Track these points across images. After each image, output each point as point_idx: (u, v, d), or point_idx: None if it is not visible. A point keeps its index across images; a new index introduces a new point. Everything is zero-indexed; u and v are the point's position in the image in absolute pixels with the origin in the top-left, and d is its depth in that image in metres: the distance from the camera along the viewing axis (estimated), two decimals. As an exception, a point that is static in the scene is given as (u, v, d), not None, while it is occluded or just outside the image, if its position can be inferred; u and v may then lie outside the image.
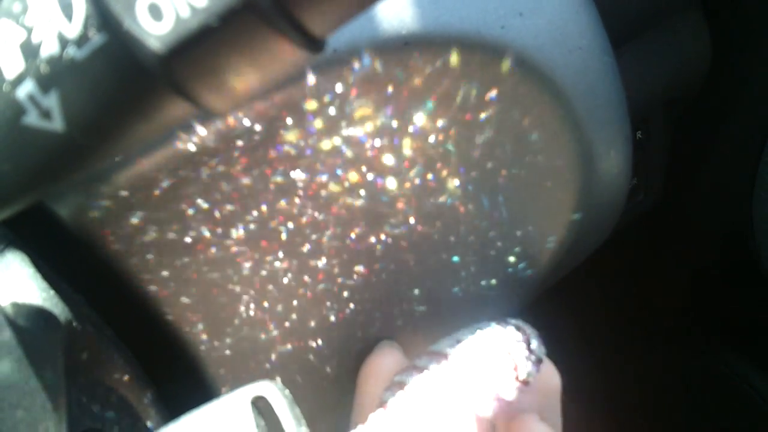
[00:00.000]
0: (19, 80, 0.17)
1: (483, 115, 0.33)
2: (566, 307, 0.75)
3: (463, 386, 0.31)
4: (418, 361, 0.34)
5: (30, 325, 0.25)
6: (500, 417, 0.32)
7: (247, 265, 0.33)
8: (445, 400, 0.31)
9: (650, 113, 0.52)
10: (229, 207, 0.32)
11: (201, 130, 0.29)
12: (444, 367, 0.32)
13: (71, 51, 0.17)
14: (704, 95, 0.53)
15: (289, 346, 0.37)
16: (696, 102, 0.54)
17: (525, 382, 0.32)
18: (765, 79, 0.50)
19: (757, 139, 0.51)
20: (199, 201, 0.31)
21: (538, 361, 0.33)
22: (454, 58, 0.31)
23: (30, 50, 0.17)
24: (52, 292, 0.27)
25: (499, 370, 0.32)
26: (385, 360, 0.38)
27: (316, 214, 0.33)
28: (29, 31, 0.17)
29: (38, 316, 0.26)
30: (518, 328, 0.33)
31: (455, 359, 0.32)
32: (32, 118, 0.18)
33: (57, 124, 0.17)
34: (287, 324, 0.36)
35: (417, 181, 0.34)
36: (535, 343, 0.33)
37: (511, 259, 0.39)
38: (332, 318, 0.37)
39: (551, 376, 0.35)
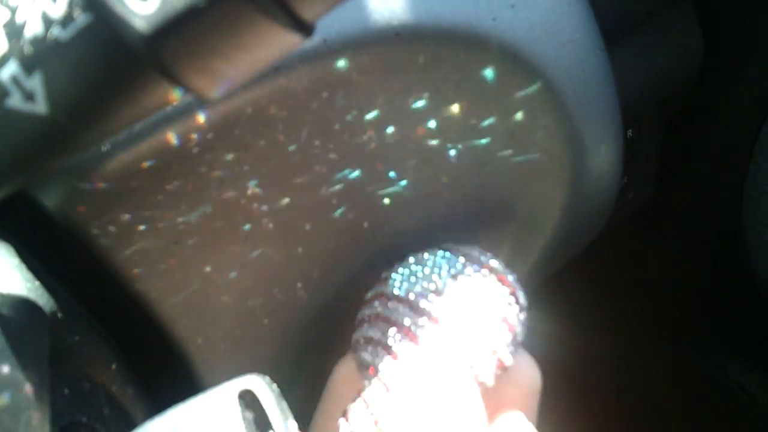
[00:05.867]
0: (2, 61, 0.17)
1: (472, 108, 0.33)
2: (552, 307, 0.75)
3: (464, 356, 0.30)
4: (388, 310, 0.32)
5: (14, 316, 0.25)
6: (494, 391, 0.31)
7: (237, 256, 0.33)
8: (446, 373, 0.30)
9: (642, 111, 0.52)
10: (219, 197, 0.31)
11: (191, 117, 0.29)
12: (434, 332, 0.31)
13: (56, 31, 0.16)
14: (696, 93, 0.53)
15: (284, 339, 0.36)
16: (687, 100, 0.54)
17: (520, 344, 0.31)
18: (757, 76, 0.50)
19: (748, 138, 0.51)
20: (189, 190, 0.31)
21: (528, 313, 0.32)
22: (445, 50, 0.31)
23: (14, 30, 0.17)
24: (37, 282, 0.27)
25: (497, 335, 0.31)
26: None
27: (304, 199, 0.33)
28: (13, 11, 0.17)
29: (23, 306, 0.26)
30: (500, 279, 0.32)
31: (444, 321, 0.31)
32: (15, 101, 0.17)
33: (40, 106, 0.17)
34: (283, 317, 0.36)
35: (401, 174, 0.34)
36: (522, 298, 0.32)
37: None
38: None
39: (534, 376, 0.34)
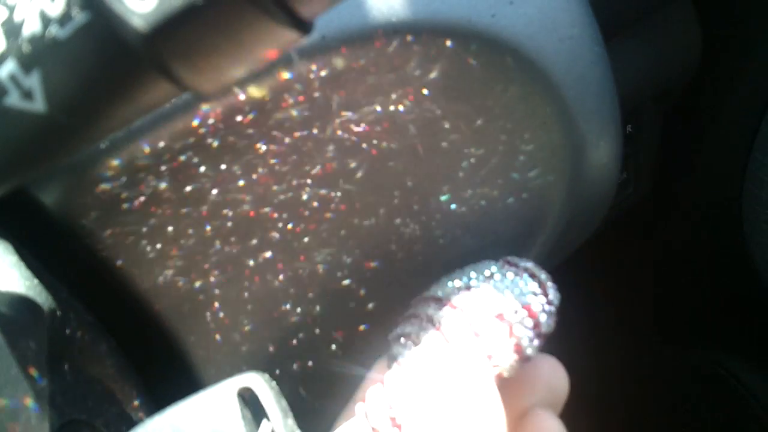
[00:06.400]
0: (0, 60, 0.17)
1: (471, 104, 0.33)
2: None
3: (481, 340, 0.30)
4: (422, 308, 0.33)
5: (13, 314, 0.25)
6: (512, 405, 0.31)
7: (236, 253, 0.33)
8: (460, 355, 0.30)
9: (641, 107, 0.52)
10: (217, 193, 0.31)
11: (186, 114, 0.29)
12: (456, 319, 0.31)
13: (54, 30, 0.16)
14: (695, 88, 0.53)
15: (281, 336, 0.36)
16: (686, 95, 0.54)
17: (545, 336, 0.31)
18: (756, 71, 0.50)
19: (748, 133, 0.51)
20: (187, 187, 0.31)
21: (556, 312, 0.32)
22: (443, 46, 0.31)
23: (12, 29, 0.17)
24: (35, 280, 0.27)
25: (519, 323, 0.31)
26: None
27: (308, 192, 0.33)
28: (11, 9, 0.17)
29: (21, 304, 0.26)
30: (532, 275, 0.33)
31: (467, 309, 0.31)
32: (14, 99, 0.17)
33: (39, 105, 0.17)
34: (281, 315, 0.36)
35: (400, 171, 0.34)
36: (552, 293, 0.32)
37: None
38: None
39: (562, 382, 0.34)
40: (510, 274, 0.32)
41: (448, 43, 0.31)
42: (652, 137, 0.55)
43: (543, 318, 0.31)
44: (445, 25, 0.31)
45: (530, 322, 0.31)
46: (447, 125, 0.33)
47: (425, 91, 0.32)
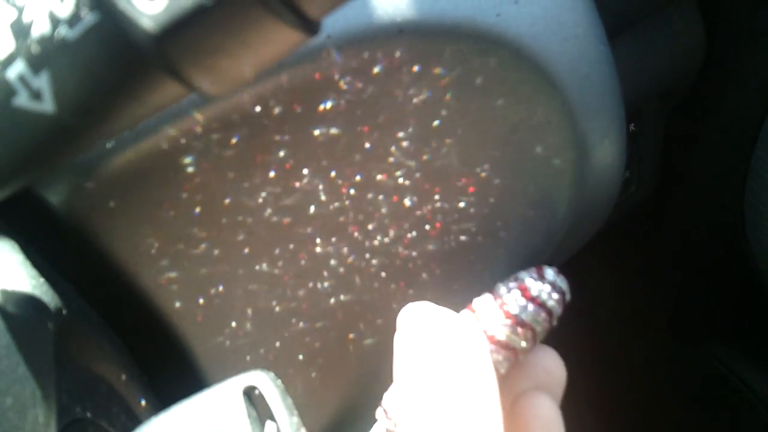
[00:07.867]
0: (9, 61, 0.17)
1: (477, 104, 0.33)
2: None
3: (476, 314, 0.31)
4: None
5: (19, 313, 0.25)
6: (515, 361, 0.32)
7: (242, 254, 0.33)
8: (456, 326, 0.31)
9: (644, 105, 0.52)
10: (223, 195, 0.31)
11: (194, 115, 0.29)
12: (465, 311, 0.32)
13: (63, 31, 0.16)
14: (698, 87, 0.53)
15: (286, 335, 0.36)
16: (689, 94, 0.54)
17: (541, 304, 0.32)
18: (758, 70, 0.50)
19: (750, 131, 0.51)
20: (192, 188, 0.31)
21: (561, 292, 0.32)
22: (449, 46, 0.31)
23: (21, 30, 0.17)
24: (41, 279, 0.27)
25: (507, 294, 0.31)
26: None
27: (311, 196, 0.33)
28: (20, 10, 0.17)
29: (27, 303, 0.26)
30: (537, 269, 0.33)
31: (475, 303, 0.32)
32: (22, 100, 0.17)
33: (47, 105, 0.17)
34: (284, 313, 0.36)
35: (409, 171, 0.34)
36: (550, 273, 0.33)
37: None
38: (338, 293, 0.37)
39: (559, 368, 0.34)
40: (524, 274, 0.33)
41: (453, 42, 0.31)
42: (655, 136, 0.55)
43: (532, 284, 0.32)
44: (449, 24, 0.31)
45: (517, 293, 0.31)
46: (452, 126, 0.34)
47: (426, 92, 0.32)
